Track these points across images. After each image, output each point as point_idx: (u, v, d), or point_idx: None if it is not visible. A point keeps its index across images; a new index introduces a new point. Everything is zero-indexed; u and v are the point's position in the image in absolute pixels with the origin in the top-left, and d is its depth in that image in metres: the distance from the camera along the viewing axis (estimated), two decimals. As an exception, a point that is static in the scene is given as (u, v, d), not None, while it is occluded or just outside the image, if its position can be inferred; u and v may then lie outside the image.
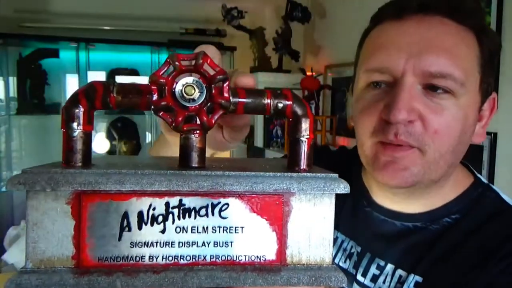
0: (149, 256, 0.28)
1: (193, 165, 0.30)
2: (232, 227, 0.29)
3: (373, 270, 0.61)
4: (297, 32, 2.52)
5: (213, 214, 0.29)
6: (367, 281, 0.61)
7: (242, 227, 0.29)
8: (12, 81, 2.72)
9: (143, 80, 2.95)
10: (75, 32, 2.75)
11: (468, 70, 0.53)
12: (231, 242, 0.29)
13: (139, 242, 0.28)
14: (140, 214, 0.28)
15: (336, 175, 0.31)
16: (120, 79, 2.92)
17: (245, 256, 0.30)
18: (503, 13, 1.32)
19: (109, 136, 2.93)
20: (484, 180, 0.63)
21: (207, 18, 2.95)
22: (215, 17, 2.68)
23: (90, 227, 0.27)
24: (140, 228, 0.28)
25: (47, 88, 2.78)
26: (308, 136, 0.32)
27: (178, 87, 0.29)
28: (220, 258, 0.29)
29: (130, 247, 0.28)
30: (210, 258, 0.29)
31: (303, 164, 0.32)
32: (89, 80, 2.95)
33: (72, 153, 0.29)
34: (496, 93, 0.60)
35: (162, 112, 0.29)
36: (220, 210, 0.29)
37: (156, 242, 0.28)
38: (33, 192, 0.26)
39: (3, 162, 2.72)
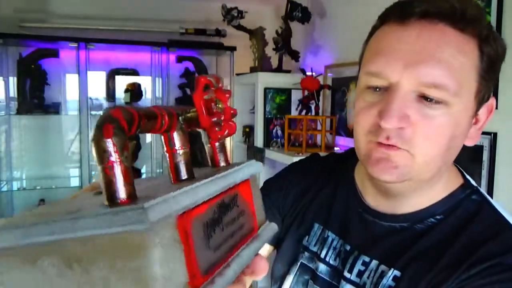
0: (223, 253, 0.31)
1: (191, 176, 0.34)
2: (241, 211, 0.35)
3: (358, 266, 0.64)
4: (297, 32, 2.51)
5: (234, 205, 0.34)
6: (353, 277, 0.64)
7: (243, 210, 0.36)
8: (12, 81, 2.72)
9: (143, 79, 2.95)
10: (75, 32, 2.75)
11: (463, 81, 0.54)
12: (243, 224, 0.35)
13: (217, 245, 0.30)
14: (212, 220, 0.30)
15: (253, 161, 0.40)
16: (120, 79, 2.92)
17: (247, 231, 0.36)
18: (503, 13, 1.32)
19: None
20: (474, 183, 0.65)
21: (207, 18, 2.95)
22: (215, 17, 2.68)
23: (195, 246, 0.28)
24: (214, 232, 0.30)
25: (47, 88, 2.78)
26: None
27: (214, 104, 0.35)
28: (242, 239, 0.35)
29: (214, 252, 0.30)
30: (240, 241, 0.35)
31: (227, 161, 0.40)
32: (89, 80, 2.95)
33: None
34: (496, 93, 0.61)
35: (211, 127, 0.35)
36: (236, 201, 0.35)
37: (223, 240, 0.32)
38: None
39: (3, 162, 2.72)
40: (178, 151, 0.33)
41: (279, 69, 2.49)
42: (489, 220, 0.58)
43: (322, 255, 0.69)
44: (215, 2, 2.59)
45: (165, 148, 0.33)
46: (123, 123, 0.26)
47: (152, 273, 0.23)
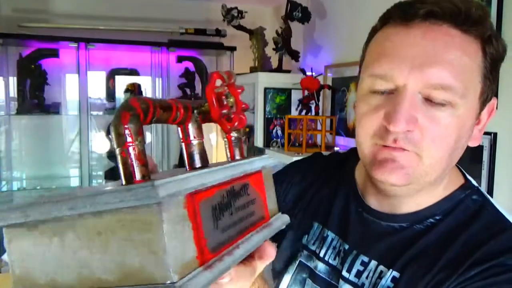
0: (232, 236, 0.33)
1: (205, 164, 0.36)
2: (252, 200, 0.38)
3: (357, 266, 0.64)
4: (297, 32, 2.52)
5: (244, 193, 0.36)
6: (351, 277, 0.64)
7: (254, 199, 0.38)
8: (12, 81, 2.72)
9: (143, 80, 2.95)
10: (75, 32, 2.75)
11: (468, 82, 0.54)
12: (253, 211, 0.38)
13: (225, 227, 0.33)
14: (221, 203, 0.32)
15: (267, 155, 0.42)
16: (120, 79, 2.92)
17: (258, 219, 0.38)
18: (503, 13, 1.32)
19: (109, 136, 2.93)
20: (475, 183, 0.64)
21: (207, 18, 2.95)
22: (215, 17, 2.68)
23: (203, 224, 0.30)
24: (223, 215, 0.33)
25: (47, 88, 2.78)
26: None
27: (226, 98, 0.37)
28: (252, 225, 0.37)
29: (222, 232, 0.32)
30: (250, 227, 0.37)
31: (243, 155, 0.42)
32: (89, 80, 2.94)
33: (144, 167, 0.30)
34: (496, 93, 0.61)
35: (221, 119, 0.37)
36: (247, 189, 0.37)
37: (232, 223, 0.33)
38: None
39: (3, 162, 2.72)
40: (192, 142, 0.36)
41: (279, 69, 2.49)
42: (489, 220, 0.58)
43: (321, 254, 0.69)
44: (215, 2, 2.59)
45: (181, 139, 0.37)
46: (139, 112, 0.29)
47: (162, 246, 0.25)
